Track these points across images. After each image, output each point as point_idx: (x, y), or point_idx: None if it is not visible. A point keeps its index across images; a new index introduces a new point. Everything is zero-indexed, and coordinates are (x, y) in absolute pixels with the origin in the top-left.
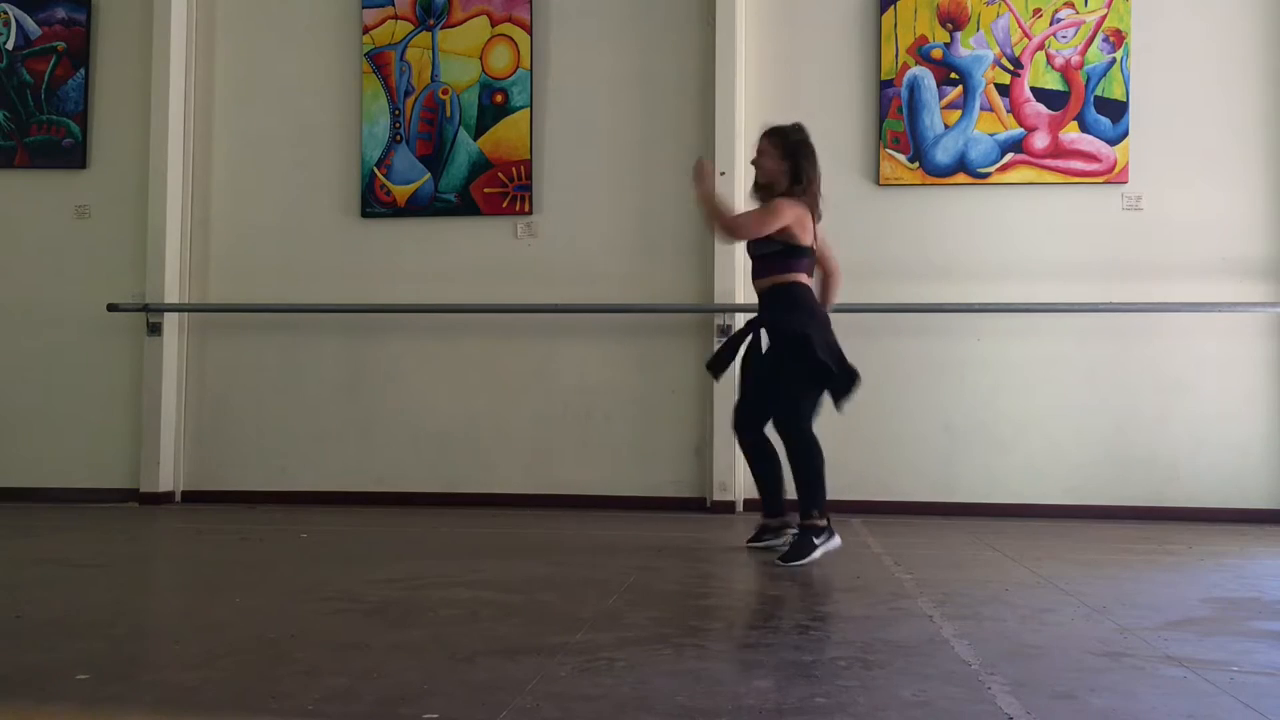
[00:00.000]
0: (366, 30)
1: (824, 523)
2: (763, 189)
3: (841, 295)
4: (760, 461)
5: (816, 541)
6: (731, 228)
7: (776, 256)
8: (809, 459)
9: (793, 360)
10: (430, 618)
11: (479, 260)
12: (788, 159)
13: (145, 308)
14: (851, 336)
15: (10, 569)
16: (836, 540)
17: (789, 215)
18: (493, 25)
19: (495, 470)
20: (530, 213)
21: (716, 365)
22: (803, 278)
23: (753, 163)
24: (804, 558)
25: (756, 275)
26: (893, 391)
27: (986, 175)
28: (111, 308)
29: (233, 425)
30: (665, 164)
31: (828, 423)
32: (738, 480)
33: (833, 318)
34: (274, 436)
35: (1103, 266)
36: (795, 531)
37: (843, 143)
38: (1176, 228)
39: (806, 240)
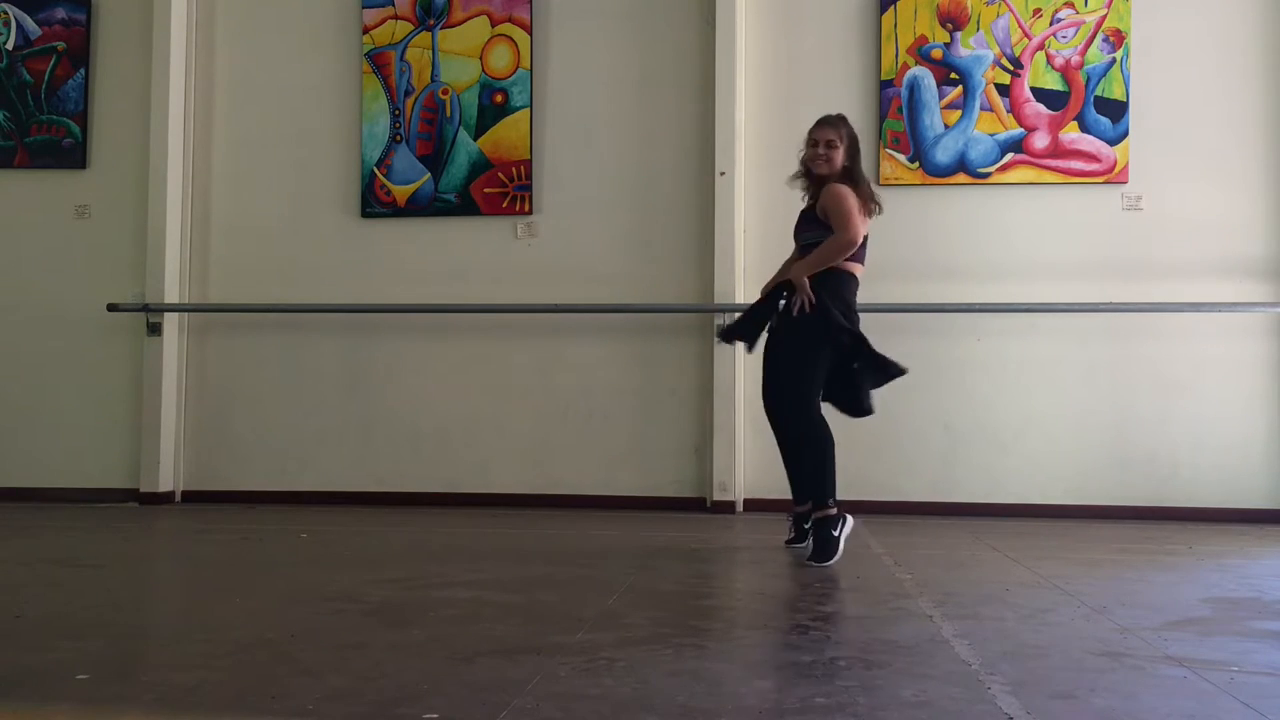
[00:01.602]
0: (366, 30)
1: (835, 510)
2: (818, 179)
3: None
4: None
5: (835, 534)
6: (842, 248)
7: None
8: (819, 444)
9: (808, 341)
10: (430, 618)
11: (479, 260)
12: (849, 149)
13: (145, 308)
14: None
15: (10, 569)
16: (850, 521)
17: (857, 204)
18: (493, 25)
19: (495, 470)
20: (530, 213)
21: (739, 333)
22: (854, 268)
23: (815, 154)
24: (832, 554)
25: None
26: (893, 391)
27: (986, 175)
28: (111, 308)
29: (233, 425)
30: (665, 164)
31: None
32: (738, 480)
33: None
34: (274, 436)
35: (1103, 266)
36: (811, 527)
37: None
38: (1176, 228)
39: (864, 230)
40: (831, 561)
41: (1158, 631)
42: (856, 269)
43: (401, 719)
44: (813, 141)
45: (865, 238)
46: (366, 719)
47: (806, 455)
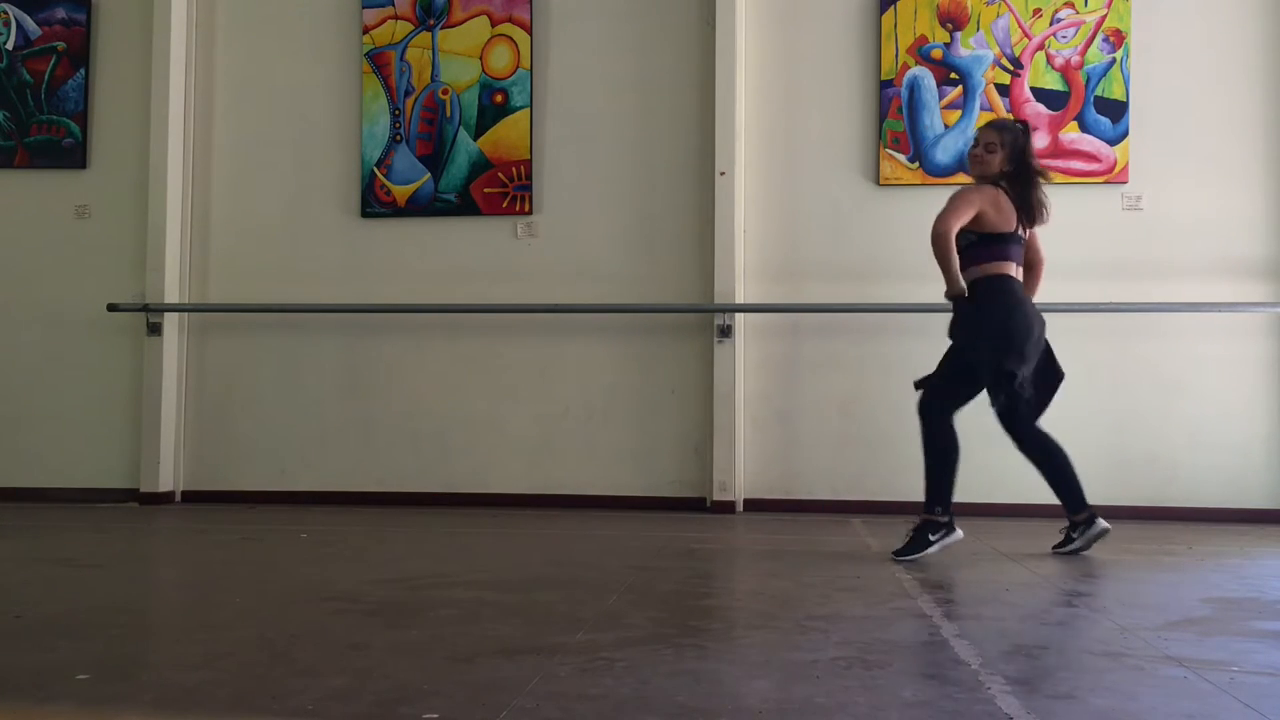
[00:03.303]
0: (366, 30)
1: (945, 519)
2: (978, 180)
3: (839, 295)
4: (1043, 460)
5: (932, 538)
6: (932, 240)
7: (970, 248)
8: (936, 450)
9: (960, 357)
10: (430, 618)
11: (479, 260)
12: (1011, 153)
13: (145, 308)
14: (853, 337)
15: (10, 569)
16: (958, 534)
17: (972, 203)
18: (493, 25)
19: (495, 470)
20: (530, 213)
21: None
22: (1003, 267)
23: (973, 153)
24: (915, 552)
25: (961, 268)
26: (893, 391)
27: None
28: (111, 308)
29: (233, 425)
30: (665, 164)
31: (827, 423)
32: (738, 480)
33: (831, 318)
34: (274, 436)
35: (1103, 266)
36: (915, 524)
37: (843, 143)
38: (1176, 228)
39: (1005, 227)
40: (910, 558)
41: (1158, 631)
42: (1005, 268)
43: (401, 719)
44: (974, 141)
45: (1014, 236)
46: (366, 719)
47: (926, 458)
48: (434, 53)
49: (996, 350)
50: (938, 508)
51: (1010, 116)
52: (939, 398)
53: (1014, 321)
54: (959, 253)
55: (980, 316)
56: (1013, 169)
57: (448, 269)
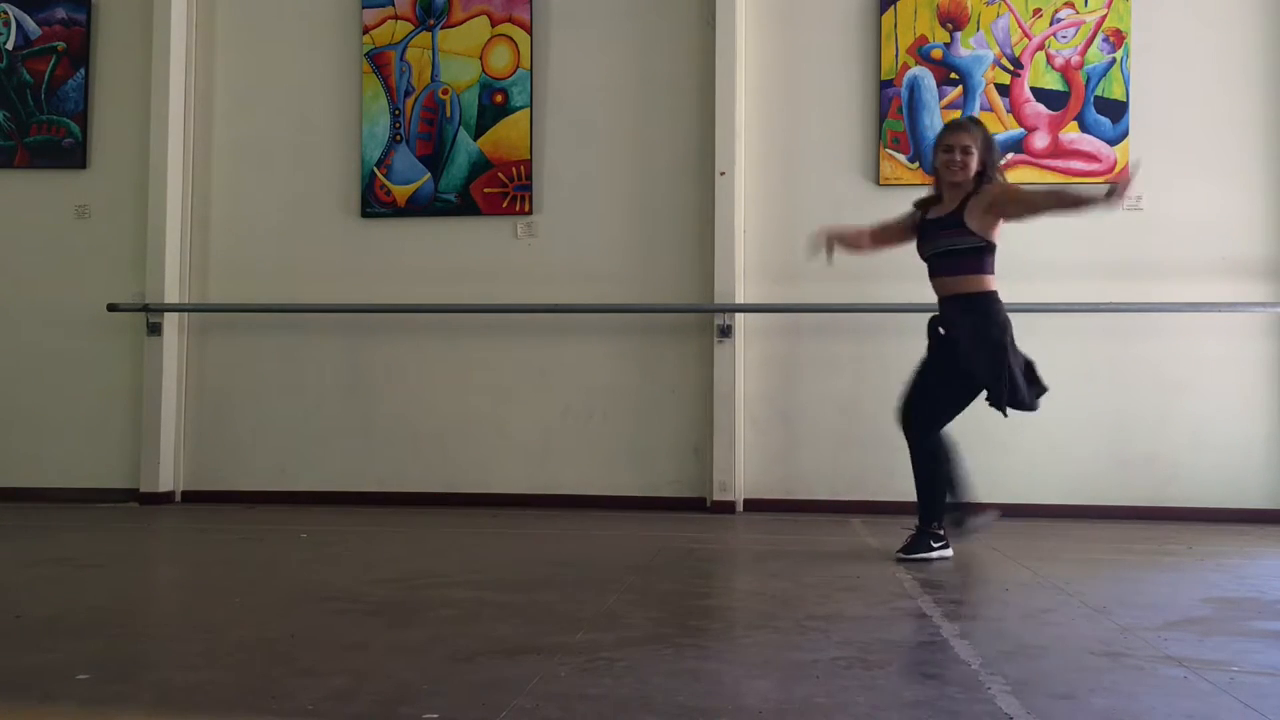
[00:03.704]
0: (366, 30)
1: (942, 531)
2: (953, 187)
3: (839, 295)
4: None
5: (934, 545)
6: (1041, 197)
7: (971, 254)
8: (930, 466)
9: (965, 374)
10: (430, 618)
11: (479, 260)
12: (984, 153)
13: (145, 308)
14: (852, 337)
15: (10, 569)
16: (950, 551)
17: None
18: (493, 25)
19: (495, 470)
20: (530, 213)
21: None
22: (991, 281)
23: (951, 160)
24: (920, 553)
25: (943, 273)
26: (893, 391)
27: None
28: (111, 308)
29: (233, 425)
30: (665, 164)
31: (827, 423)
32: (737, 480)
33: (831, 318)
34: (274, 436)
35: (1103, 266)
36: (912, 532)
37: (843, 143)
38: (1176, 228)
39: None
40: (915, 557)
41: (1158, 631)
42: (995, 283)
43: (401, 719)
44: (946, 148)
45: (995, 246)
46: (366, 719)
47: (918, 470)
48: (434, 53)
49: (997, 359)
50: (934, 523)
51: (958, 115)
52: (924, 413)
53: (1006, 335)
54: (967, 256)
55: (992, 336)
56: (984, 169)
57: (448, 269)
